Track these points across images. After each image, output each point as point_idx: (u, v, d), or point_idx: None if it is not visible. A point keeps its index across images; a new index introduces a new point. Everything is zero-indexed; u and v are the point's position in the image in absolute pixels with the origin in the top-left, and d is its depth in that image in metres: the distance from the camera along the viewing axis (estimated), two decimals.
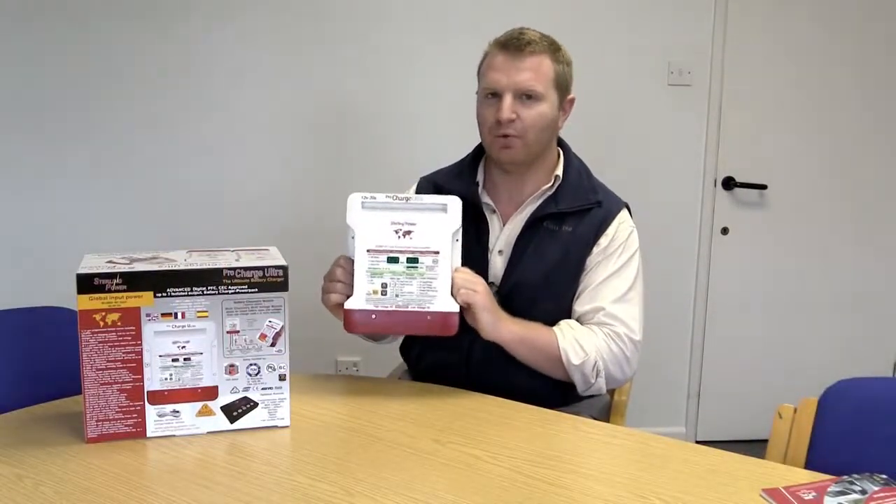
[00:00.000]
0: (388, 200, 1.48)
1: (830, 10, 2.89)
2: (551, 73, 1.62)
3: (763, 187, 2.95)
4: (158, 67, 2.67)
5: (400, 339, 1.83)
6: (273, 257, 1.40)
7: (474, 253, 1.61)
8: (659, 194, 2.91)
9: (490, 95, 1.63)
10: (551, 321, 1.63)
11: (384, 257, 1.46)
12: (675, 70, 2.86)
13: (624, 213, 1.70)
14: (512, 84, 1.60)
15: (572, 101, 1.71)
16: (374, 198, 1.47)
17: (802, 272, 3.05)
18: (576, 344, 1.58)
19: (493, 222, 1.70)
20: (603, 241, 1.66)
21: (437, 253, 1.46)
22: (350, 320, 1.47)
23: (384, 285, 1.46)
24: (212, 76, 2.70)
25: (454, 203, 1.48)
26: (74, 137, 2.67)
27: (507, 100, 1.59)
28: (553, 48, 1.64)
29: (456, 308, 1.46)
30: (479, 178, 1.73)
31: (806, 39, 2.90)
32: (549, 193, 1.68)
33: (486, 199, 1.71)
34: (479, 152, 1.76)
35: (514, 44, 1.61)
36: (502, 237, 1.69)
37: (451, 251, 1.47)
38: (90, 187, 2.71)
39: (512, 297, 1.63)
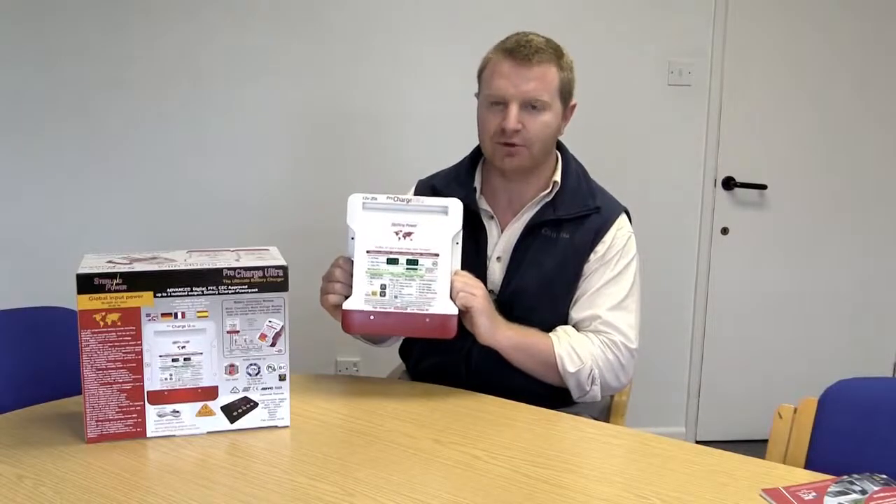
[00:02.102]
0: (389, 202, 1.47)
1: (830, 11, 2.88)
2: (556, 81, 1.60)
3: (763, 187, 2.95)
4: (159, 68, 2.67)
5: (399, 342, 1.83)
6: (273, 257, 1.40)
7: (472, 260, 1.60)
8: (659, 194, 2.91)
9: (494, 103, 1.60)
10: (550, 328, 1.62)
11: (384, 258, 1.45)
12: (675, 70, 2.86)
13: (622, 218, 1.69)
14: (519, 94, 1.57)
15: (574, 107, 1.69)
16: (375, 199, 1.47)
17: (802, 272, 3.05)
18: (572, 351, 1.58)
19: (492, 229, 1.69)
20: (600, 248, 1.65)
21: (437, 255, 1.45)
22: (348, 321, 1.46)
23: (383, 286, 1.45)
24: (212, 77, 2.70)
25: (455, 205, 1.48)
26: (74, 137, 2.67)
27: (514, 110, 1.57)
28: (557, 54, 1.61)
29: (455, 311, 1.45)
30: (477, 183, 1.71)
31: (806, 39, 2.90)
32: (547, 200, 1.67)
33: (483, 205, 1.70)
34: (476, 156, 1.75)
35: (521, 52, 1.57)
36: (500, 244, 1.68)
37: (451, 254, 1.47)
38: (90, 187, 2.71)
39: (511, 305, 1.62)
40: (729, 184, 2.96)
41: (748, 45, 2.88)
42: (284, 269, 1.36)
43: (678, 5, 2.83)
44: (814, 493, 1.17)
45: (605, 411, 1.81)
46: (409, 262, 1.45)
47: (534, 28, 1.67)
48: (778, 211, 3.00)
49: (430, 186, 1.75)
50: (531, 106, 1.58)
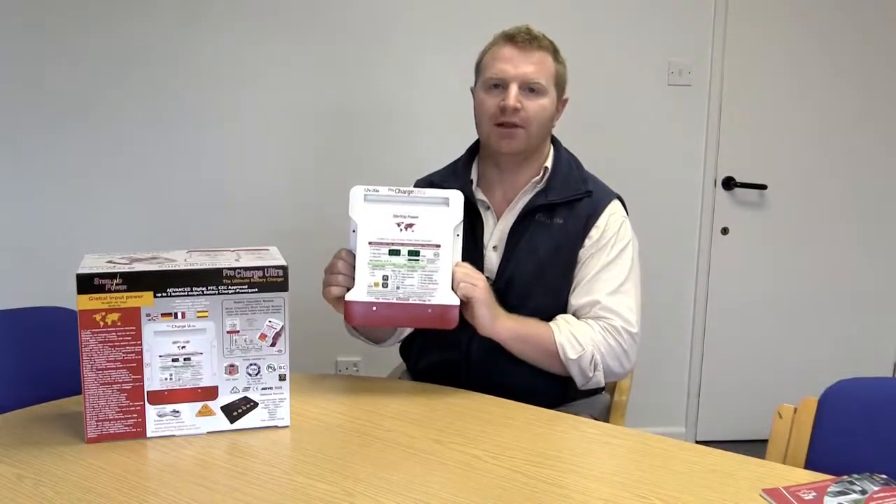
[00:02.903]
0: (391, 193, 1.48)
1: (830, 11, 2.89)
2: (553, 70, 1.67)
3: (763, 187, 2.95)
4: (159, 68, 2.67)
5: (399, 343, 1.83)
6: (273, 257, 1.40)
7: (470, 250, 1.62)
8: (659, 194, 2.91)
9: (494, 86, 1.65)
10: (546, 315, 1.64)
11: (386, 250, 1.46)
12: (675, 70, 2.86)
13: (614, 204, 1.71)
14: (519, 75, 1.62)
15: (565, 101, 1.74)
16: (377, 191, 1.48)
17: (802, 272, 3.05)
18: (572, 338, 1.59)
19: (488, 219, 1.72)
20: (594, 233, 1.67)
21: (439, 246, 1.47)
22: (351, 312, 1.47)
23: (385, 278, 1.46)
24: (212, 77, 2.70)
25: (456, 197, 1.49)
26: (74, 137, 2.67)
27: (514, 89, 1.62)
28: (554, 48, 1.69)
29: (456, 301, 1.47)
30: (474, 175, 1.74)
31: (805, 39, 2.90)
32: (540, 187, 1.69)
33: (480, 195, 1.72)
34: (473, 151, 1.78)
35: (522, 37, 1.64)
36: (496, 232, 1.71)
37: (453, 245, 1.48)
38: (90, 187, 2.71)
39: (507, 291, 1.64)
40: (729, 184, 2.96)
41: (748, 45, 2.88)
42: (284, 268, 1.36)
43: (678, 6, 2.83)
44: (814, 493, 1.17)
45: (605, 411, 1.81)
46: (410, 253, 1.46)
47: (536, 27, 1.69)
48: (778, 211, 3.00)
49: (429, 182, 1.77)
50: (529, 89, 1.63)
